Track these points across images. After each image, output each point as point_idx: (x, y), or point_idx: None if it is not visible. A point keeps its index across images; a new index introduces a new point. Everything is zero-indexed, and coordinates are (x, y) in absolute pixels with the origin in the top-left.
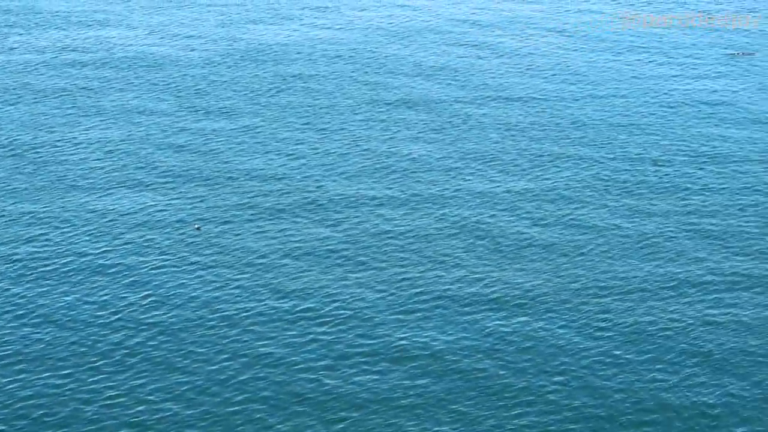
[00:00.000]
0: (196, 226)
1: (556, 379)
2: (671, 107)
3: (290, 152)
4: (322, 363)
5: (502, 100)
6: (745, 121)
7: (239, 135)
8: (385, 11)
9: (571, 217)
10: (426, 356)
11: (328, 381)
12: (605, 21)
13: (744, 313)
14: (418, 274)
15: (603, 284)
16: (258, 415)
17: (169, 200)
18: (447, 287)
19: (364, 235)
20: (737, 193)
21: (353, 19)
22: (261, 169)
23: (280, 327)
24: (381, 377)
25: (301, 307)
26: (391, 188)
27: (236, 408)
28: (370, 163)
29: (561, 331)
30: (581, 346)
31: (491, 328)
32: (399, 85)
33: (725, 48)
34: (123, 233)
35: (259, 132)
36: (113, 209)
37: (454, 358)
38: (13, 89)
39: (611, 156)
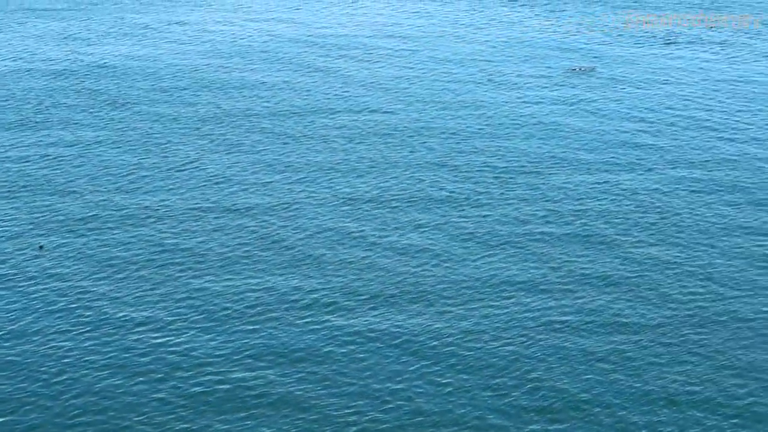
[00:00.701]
0: (39, 245)
1: (344, 390)
2: (513, 122)
3: (131, 167)
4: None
5: (340, 113)
6: (576, 136)
7: (79, 150)
8: (228, 28)
9: (380, 231)
10: (218, 364)
11: (126, 390)
12: (447, 37)
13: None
14: (224, 287)
15: (395, 295)
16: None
17: (6, 215)
18: (247, 297)
19: (183, 249)
20: (568, 205)
21: (196, 37)
22: (101, 185)
23: (93, 338)
24: (168, 386)
25: (126, 319)
26: (219, 201)
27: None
28: (207, 177)
29: (347, 337)
30: (360, 355)
31: (280, 339)
32: (239, 100)
33: (564, 62)
34: None
35: (99, 147)
36: None
37: (249, 370)
38: None
39: (447, 169)
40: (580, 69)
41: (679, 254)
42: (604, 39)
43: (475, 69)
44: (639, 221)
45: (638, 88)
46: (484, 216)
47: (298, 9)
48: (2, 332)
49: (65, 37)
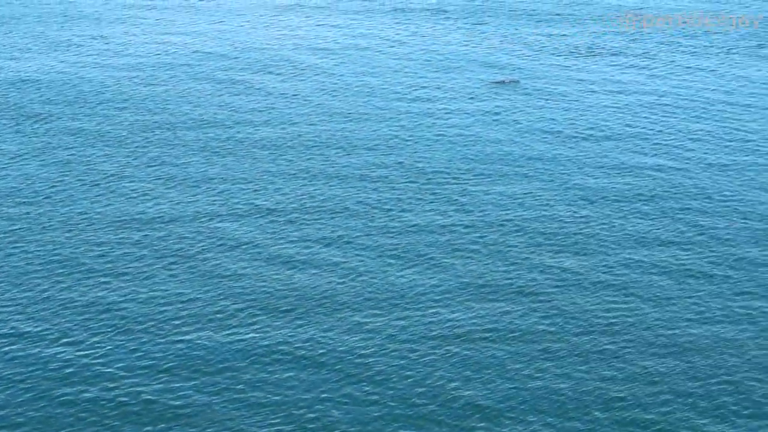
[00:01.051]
0: None
1: (262, 403)
2: (435, 135)
3: (52, 180)
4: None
5: (262, 125)
6: (496, 147)
7: (1, 164)
8: (151, 42)
9: (300, 244)
10: (136, 377)
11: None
12: (369, 50)
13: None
14: (144, 300)
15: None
16: None
17: None
18: (167, 311)
19: (104, 262)
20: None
21: (119, 51)
22: (22, 199)
23: (11, 353)
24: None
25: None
26: (141, 215)
27: None
28: (129, 190)
29: (266, 351)
30: (279, 368)
31: (199, 353)
32: (162, 114)
33: (486, 75)
34: None
35: (21, 160)
36: None
37: (168, 384)
38: None
39: (368, 181)
40: (504, 81)
41: (596, 265)
42: (527, 52)
43: (396, 82)
44: (558, 232)
45: (559, 101)
46: (405, 228)
47: (220, 22)
48: None
49: None
